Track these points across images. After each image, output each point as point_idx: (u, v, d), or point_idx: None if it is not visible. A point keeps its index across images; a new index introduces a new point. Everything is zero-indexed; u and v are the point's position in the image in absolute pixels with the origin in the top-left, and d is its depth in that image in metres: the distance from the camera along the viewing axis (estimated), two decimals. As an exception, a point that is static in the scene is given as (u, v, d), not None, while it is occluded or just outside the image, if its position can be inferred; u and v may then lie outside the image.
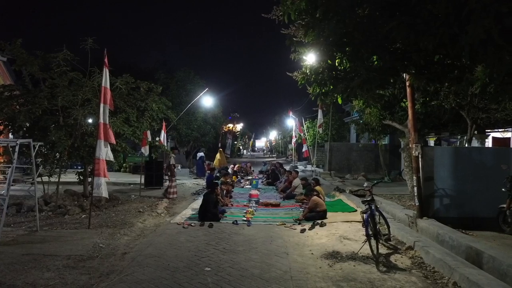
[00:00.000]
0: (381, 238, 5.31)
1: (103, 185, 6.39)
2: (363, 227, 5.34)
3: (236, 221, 7.03)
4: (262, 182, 14.52)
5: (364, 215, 4.99)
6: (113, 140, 6.60)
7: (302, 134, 18.91)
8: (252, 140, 70.30)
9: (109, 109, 6.84)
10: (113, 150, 8.46)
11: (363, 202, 5.31)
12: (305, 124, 21.70)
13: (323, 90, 5.29)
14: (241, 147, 53.01)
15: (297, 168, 22.26)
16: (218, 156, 17.17)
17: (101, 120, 6.51)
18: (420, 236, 5.84)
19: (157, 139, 13.53)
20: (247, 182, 13.95)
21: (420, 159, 6.76)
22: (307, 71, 5.23)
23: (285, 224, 6.95)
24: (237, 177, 15.35)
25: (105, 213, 7.77)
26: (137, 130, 8.39)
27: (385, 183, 14.59)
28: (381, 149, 16.13)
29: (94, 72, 7.48)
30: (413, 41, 4.02)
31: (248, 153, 58.66)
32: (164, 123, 13.74)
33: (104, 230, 6.22)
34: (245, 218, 7.32)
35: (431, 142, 12.82)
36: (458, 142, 13.95)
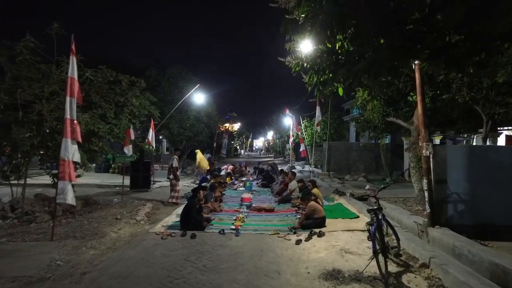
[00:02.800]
0: (390, 253, 4.52)
1: (69, 190, 5.55)
2: (368, 240, 4.55)
3: (223, 230, 6.21)
4: (257, 183, 13.70)
5: (371, 227, 4.19)
6: (79, 138, 5.76)
7: (299, 133, 18.09)
8: (250, 139, 69.58)
9: (78, 104, 6.03)
10: (89, 150, 7.66)
11: (369, 211, 4.51)
12: (302, 123, 20.90)
13: (321, 79, 4.49)
14: (238, 147, 52.21)
15: (295, 168, 21.47)
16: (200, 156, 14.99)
17: (68, 116, 5.68)
18: (435, 249, 5.04)
19: (147, 139, 12.75)
20: (241, 184, 13.13)
21: (431, 160, 5.98)
22: (302, 56, 4.42)
23: (278, 233, 6.14)
24: (231, 179, 14.53)
25: (77, 221, 6.94)
26: (115, 127, 7.55)
27: (386, 184, 13.82)
28: (383, 149, 15.37)
29: (63, 62, 6.64)
30: (430, 13, 3.22)
31: (246, 153, 57.87)
32: (152, 121, 12.96)
33: (68, 242, 5.39)
34: (233, 226, 6.50)
35: (437, 141, 12.07)
36: (465, 141, 13.21)
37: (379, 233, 4.15)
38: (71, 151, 5.62)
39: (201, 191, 6.84)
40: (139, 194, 11.04)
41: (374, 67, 3.27)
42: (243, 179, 15.06)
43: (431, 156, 5.95)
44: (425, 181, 5.97)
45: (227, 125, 38.43)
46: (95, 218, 7.15)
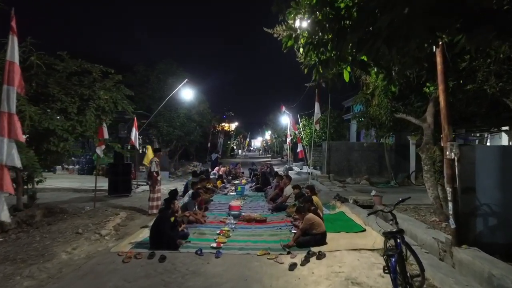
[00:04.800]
0: (414, 286, 3.39)
1: (1, 203, 4.40)
2: (384, 272, 3.43)
3: (201, 249, 5.07)
4: (250, 187, 12.56)
5: (390, 259, 3.06)
6: (21, 137, 4.63)
7: (296, 132, 16.94)
8: (247, 139, 68.45)
9: (20, 95, 4.90)
10: (47, 151, 6.54)
11: (386, 234, 3.39)
12: (300, 122, 19.75)
13: (322, 57, 3.36)
14: (235, 147, 51.02)
15: (292, 169, 20.34)
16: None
17: (5, 109, 4.54)
18: (467, 280, 3.92)
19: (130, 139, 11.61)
20: (233, 188, 11.98)
21: (456, 164, 4.86)
22: (296, 25, 3.28)
23: (269, 253, 5.01)
24: (223, 182, 13.37)
25: (29, 236, 5.79)
26: (78, 125, 6.40)
27: (391, 187, 12.72)
28: (386, 149, 14.26)
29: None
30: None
31: (243, 153, 56.70)
32: (135, 120, 11.82)
33: (1, 269, 4.25)
34: (215, 244, 5.37)
35: (448, 141, 10.95)
36: (477, 140, 12.12)
37: (400, 267, 3.02)
38: (7, 153, 4.48)
39: (175, 201, 5.68)
40: (118, 200, 9.91)
41: (406, 24, 2.12)
42: (235, 182, 13.92)
43: (456, 159, 4.85)
44: (448, 189, 4.87)
45: (224, 124, 37.30)
46: (52, 233, 6.00)
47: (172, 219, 5.51)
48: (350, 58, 3.23)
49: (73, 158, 16.86)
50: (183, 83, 13.36)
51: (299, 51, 3.51)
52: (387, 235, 3.37)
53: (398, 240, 3.28)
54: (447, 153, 4.85)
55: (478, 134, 11.98)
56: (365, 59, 3.08)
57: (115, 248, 5.25)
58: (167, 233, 5.22)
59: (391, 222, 3.83)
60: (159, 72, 17.37)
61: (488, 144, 11.52)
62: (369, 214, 3.95)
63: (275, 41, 3.71)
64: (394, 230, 3.31)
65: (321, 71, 3.44)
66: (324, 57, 3.36)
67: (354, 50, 3.05)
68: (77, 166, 16.78)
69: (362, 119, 10.31)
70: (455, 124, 10.40)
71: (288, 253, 5.04)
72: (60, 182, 13.09)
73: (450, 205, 4.83)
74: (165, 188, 12.65)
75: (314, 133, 15.56)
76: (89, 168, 16.41)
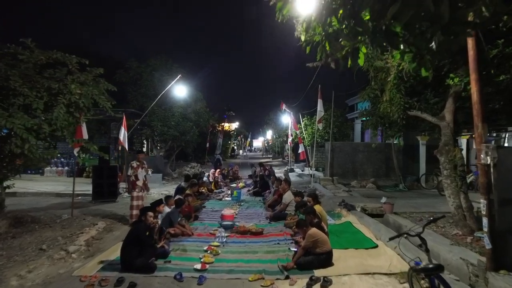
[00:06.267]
0: None
1: None
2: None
3: (181, 273, 4.19)
4: (248, 191, 11.68)
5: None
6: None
7: (298, 132, 16.04)
8: (248, 139, 67.57)
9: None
10: (11, 153, 5.69)
11: (419, 272, 2.50)
12: (302, 121, 18.84)
13: (329, 30, 2.48)
14: (235, 147, 50.13)
15: (293, 171, 19.44)
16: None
17: None
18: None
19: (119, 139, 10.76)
20: (229, 192, 11.10)
21: (492, 170, 3.98)
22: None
23: (263, 278, 4.14)
24: (219, 186, 12.49)
25: (-16, 253, 4.94)
26: (45, 124, 5.55)
27: (400, 191, 11.82)
28: (394, 150, 13.35)
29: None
30: None
31: (244, 154, 55.77)
32: (124, 118, 10.97)
33: None
34: (199, 266, 4.49)
35: (463, 142, 10.00)
36: (494, 141, 11.19)
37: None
38: None
39: (149, 212, 4.75)
40: (101, 206, 9.05)
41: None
42: (232, 185, 13.04)
43: (492, 164, 3.96)
44: (483, 201, 3.99)
45: (224, 124, 36.41)
46: (12, 248, 5.15)
47: (148, 233, 4.62)
48: (370, 27, 2.34)
49: (62, 159, 16.10)
50: (175, 80, 12.52)
51: (298, 22, 2.63)
52: (420, 273, 2.49)
53: (434, 279, 2.40)
54: (482, 157, 3.97)
55: (494, 134, 11.06)
56: (394, 28, 2.20)
57: (78, 271, 4.38)
58: (141, 251, 4.34)
59: (429, 263, 2.95)
60: (152, 68, 16.53)
61: (506, 145, 10.60)
62: (390, 239, 3.08)
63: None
64: (430, 266, 2.43)
65: (328, 48, 2.56)
66: (332, 30, 2.49)
67: (375, 17, 2.17)
68: (66, 168, 15.97)
69: (369, 117, 9.44)
70: (471, 123, 9.51)
71: (287, 277, 4.17)
72: (45, 185, 12.27)
73: (485, 220, 3.95)
74: (156, 192, 11.83)
75: (317, 132, 14.68)
76: (79, 170, 15.57)
